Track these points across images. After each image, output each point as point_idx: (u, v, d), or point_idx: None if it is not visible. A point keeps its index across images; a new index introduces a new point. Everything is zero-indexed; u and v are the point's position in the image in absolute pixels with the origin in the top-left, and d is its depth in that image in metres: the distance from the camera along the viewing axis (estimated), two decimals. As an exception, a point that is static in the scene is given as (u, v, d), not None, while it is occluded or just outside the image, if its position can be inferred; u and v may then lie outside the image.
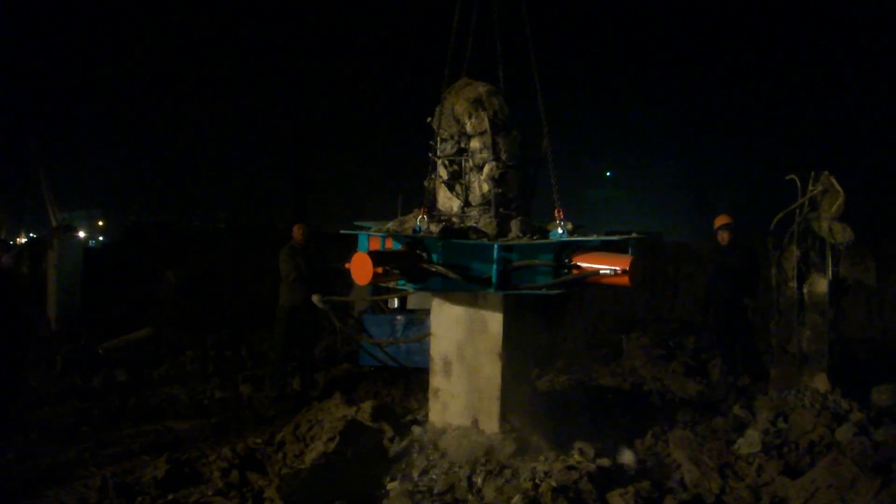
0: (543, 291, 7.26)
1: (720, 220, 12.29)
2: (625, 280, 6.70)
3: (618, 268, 6.70)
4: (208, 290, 21.37)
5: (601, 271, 6.83)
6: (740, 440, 8.42)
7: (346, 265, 6.75)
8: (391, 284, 7.61)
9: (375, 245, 7.50)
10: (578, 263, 6.99)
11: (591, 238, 7.29)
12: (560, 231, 7.31)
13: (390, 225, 7.72)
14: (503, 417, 7.55)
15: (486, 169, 7.80)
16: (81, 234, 28.19)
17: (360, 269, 6.60)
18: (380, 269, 6.59)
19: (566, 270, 7.06)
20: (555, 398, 9.73)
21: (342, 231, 7.54)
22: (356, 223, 8.50)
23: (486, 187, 7.78)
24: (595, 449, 7.54)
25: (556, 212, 7.42)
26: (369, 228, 7.98)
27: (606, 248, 7.21)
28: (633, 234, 7.22)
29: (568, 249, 7.16)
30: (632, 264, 6.71)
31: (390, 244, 7.37)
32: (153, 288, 19.82)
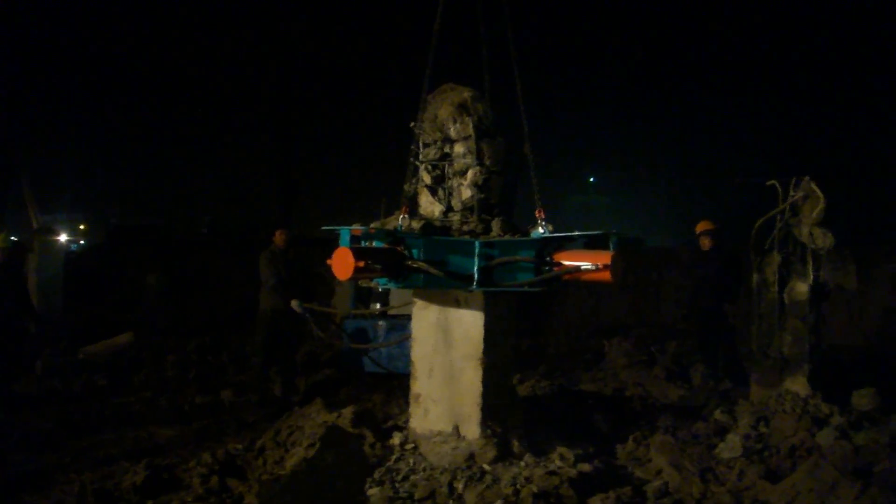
0: (525, 289, 7.28)
1: (701, 226, 12.33)
2: (606, 276, 6.72)
3: (599, 264, 6.72)
4: (190, 295, 21.34)
5: (583, 267, 6.85)
6: (721, 445, 8.44)
7: (328, 261, 6.73)
8: (372, 283, 7.59)
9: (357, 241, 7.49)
10: (560, 261, 7.02)
11: (573, 234, 7.30)
12: (541, 230, 7.32)
13: (373, 224, 7.72)
14: (484, 423, 7.52)
15: (469, 174, 7.79)
16: (63, 237, 28.09)
17: (342, 263, 6.58)
18: (361, 264, 6.57)
19: (548, 267, 7.08)
20: (536, 403, 9.73)
21: (324, 227, 7.50)
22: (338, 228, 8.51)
23: (468, 193, 7.77)
24: (576, 454, 7.56)
25: (536, 212, 7.43)
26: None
27: (588, 246, 7.24)
28: (615, 231, 7.22)
29: (549, 246, 7.18)
30: (613, 260, 6.73)
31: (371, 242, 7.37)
32: (135, 292, 19.77)
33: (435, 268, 7.00)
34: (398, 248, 7.02)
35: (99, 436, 9.64)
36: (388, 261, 6.92)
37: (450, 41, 7.98)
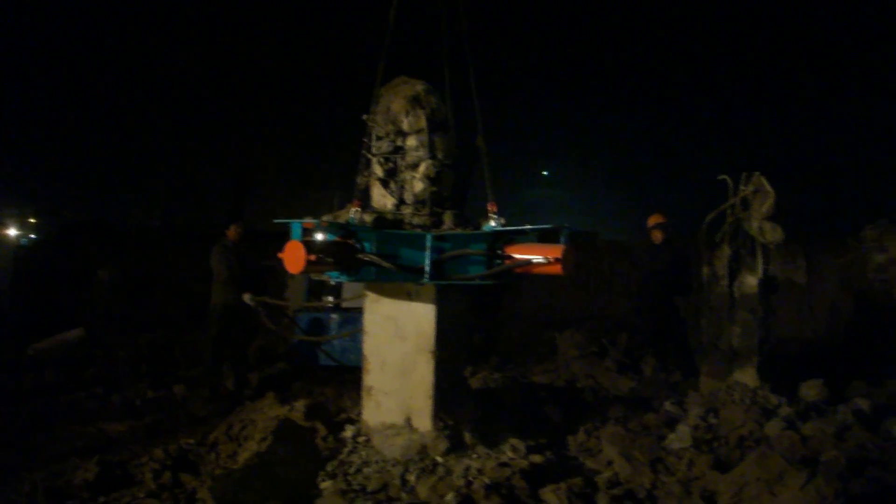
0: (476, 282, 7.30)
1: (653, 220, 12.41)
2: (557, 269, 6.75)
3: (550, 257, 6.75)
4: (142, 290, 21.15)
5: (533, 261, 6.88)
6: (671, 435, 8.52)
7: (279, 254, 6.71)
8: (324, 276, 7.57)
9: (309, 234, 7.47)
10: (511, 254, 7.05)
11: (525, 227, 7.32)
12: (493, 224, 7.34)
13: (324, 218, 7.69)
14: (436, 415, 7.53)
15: (421, 167, 7.79)
16: (12, 231, 27.73)
17: (293, 257, 6.56)
18: (312, 257, 6.55)
19: (499, 260, 7.11)
20: (488, 396, 9.75)
21: (276, 220, 7.48)
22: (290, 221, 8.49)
23: (421, 186, 7.77)
24: (528, 445, 7.60)
25: (488, 205, 7.45)
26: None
27: (541, 240, 7.27)
28: (566, 225, 7.25)
29: (501, 240, 7.21)
30: (564, 253, 6.75)
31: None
32: (85, 287, 19.56)
33: (387, 261, 7.00)
34: (350, 242, 7.01)
35: (49, 433, 9.52)
36: (340, 254, 6.90)
37: (404, 34, 7.98)
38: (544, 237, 7.32)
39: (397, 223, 7.62)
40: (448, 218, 7.63)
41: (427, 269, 7.16)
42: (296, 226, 6.97)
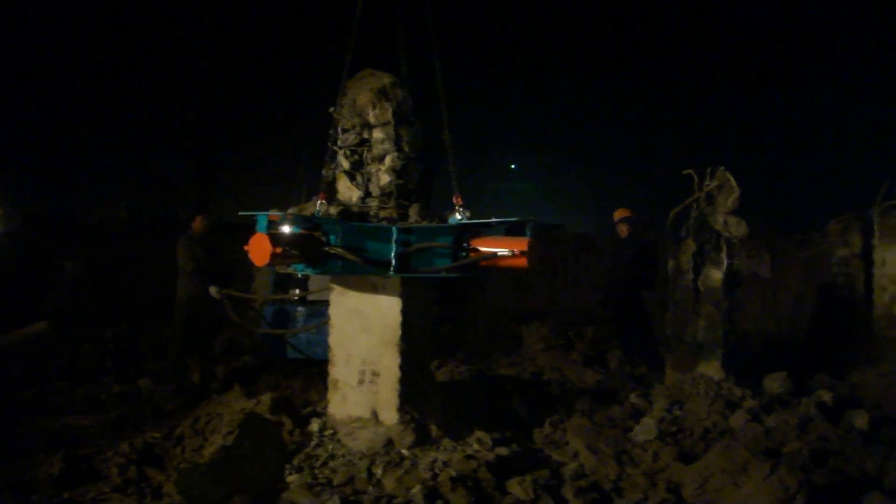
0: (442, 275, 7.31)
1: (619, 214, 12.45)
2: (522, 262, 6.78)
3: (515, 250, 6.77)
4: (107, 282, 20.99)
5: (499, 254, 6.90)
6: (637, 428, 8.57)
7: (245, 247, 6.70)
8: (290, 269, 7.56)
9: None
10: (477, 247, 7.07)
11: (490, 220, 7.34)
12: (459, 217, 7.35)
13: (290, 210, 7.67)
14: (402, 408, 7.54)
15: (387, 160, 7.78)
16: (-26, 224, 27.43)
17: (259, 249, 6.54)
18: (278, 250, 6.54)
19: (465, 254, 7.12)
20: (454, 389, 9.77)
21: (241, 213, 7.45)
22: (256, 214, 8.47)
23: (387, 178, 7.76)
24: (494, 438, 7.62)
25: (454, 198, 7.45)
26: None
27: (507, 233, 7.29)
28: (531, 218, 7.26)
29: (467, 233, 7.22)
30: (529, 246, 6.78)
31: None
32: (50, 279, 19.41)
33: (352, 254, 7.00)
34: (316, 234, 6.99)
35: (13, 427, 9.41)
36: (306, 247, 6.89)
37: (371, 26, 7.96)
38: (511, 230, 7.34)
39: (363, 216, 7.62)
40: (414, 210, 7.63)
41: (393, 261, 7.16)
42: (261, 218, 6.95)
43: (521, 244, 6.82)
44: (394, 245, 7.15)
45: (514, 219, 7.33)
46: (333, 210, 7.39)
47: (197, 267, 11.24)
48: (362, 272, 7.38)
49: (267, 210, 7.06)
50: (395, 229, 7.19)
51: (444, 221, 7.46)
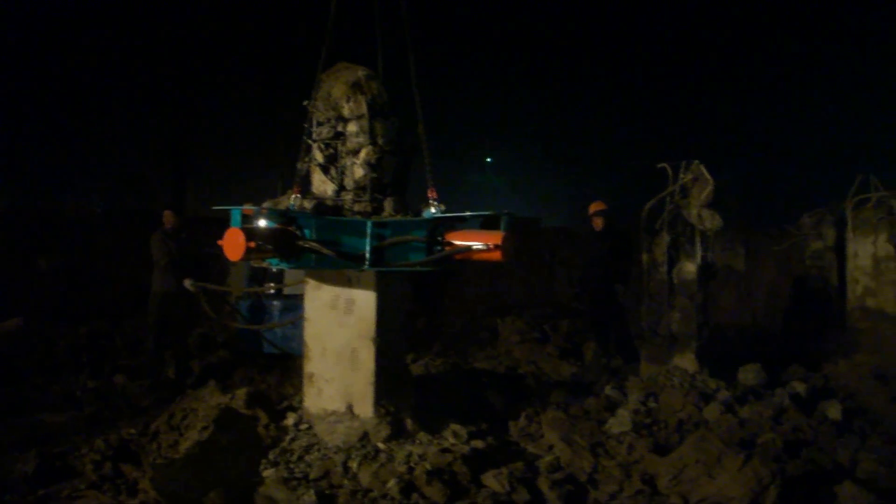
0: (417, 268, 7.31)
1: (594, 207, 12.45)
2: (497, 255, 6.79)
3: (490, 243, 6.78)
4: (82, 277, 20.86)
5: (473, 247, 6.90)
6: (612, 420, 8.61)
7: (219, 241, 6.67)
8: (264, 263, 7.53)
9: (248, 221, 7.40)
10: (451, 240, 7.07)
11: (464, 214, 7.34)
12: (433, 210, 7.34)
13: (265, 204, 7.64)
14: (377, 402, 7.54)
15: (362, 153, 7.76)
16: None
17: (233, 244, 6.52)
18: (252, 244, 6.52)
19: (439, 247, 7.12)
20: (430, 382, 9.77)
21: (215, 207, 7.43)
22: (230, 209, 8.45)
23: (361, 172, 7.74)
24: (469, 431, 7.63)
25: (429, 191, 7.45)
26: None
27: (480, 227, 7.29)
28: (506, 212, 7.27)
29: (441, 226, 7.22)
30: (504, 240, 6.79)
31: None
32: (24, 276, 19.28)
33: (327, 248, 6.97)
34: (290, 229, 6.97)
35: (-13, 425, 9.38)
36: (280, 241, 6.86)
37: (347, 19, 7.94)
38: (485, 224, 7.35)
39: (337, 210, 7.60)
40: (388, 204, 7.63)
41: (367, 255, 7.15)
42: (235, 213, 6.93)
43: (496, 238, 6.82)
44: (368, 239, 7.14)
45: (488, 212, 7.34)
46: (308, 204, 7.37)
47: (170, 261, 11.17)
48: (337, 266, 7.37)
49: (242, 204, 7.04)
50: (369, 223, 7.18)
51: (419, 215, 7.45)
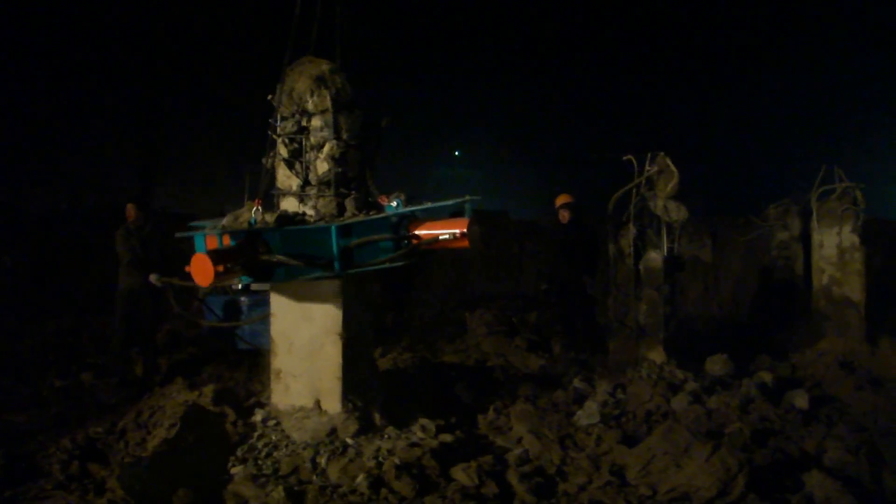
0: (388, 265, 7.30)
1: (561, 199, 12.47)
2: (464, 243, 6.82)
3: (456, 231, 6.79)
4: (48, 275, 20.69)
5: (440, 237, 6.91)
6: (580, 412, 8.63)
7: (187, 268, 6.64)
8: (235, 283, 7.52)
9: (213, 244, 7.34)
10: (417, 233, 7.07)
11: (426, 206, 7.34)
12: (394, 204, 7.33)
13: (225, 221, 7.59)
14: (345, 397, 7.54)
15: (326, 147, 7.74)
16: None
17: (201, 270, 6.49)
18: (220, 268, 6.49)
19: (406, 242, 7.11)
20: (398, 376, 9.76)
21: (177, 234, 7.42)
22: (191, 224, 8.42)
23: (325, 166, 7.72)
24: (438, 425, 7.63)
25: (381, 199, 7.46)
26: (205, 228, 7.81)
27: (444, 217, 7.32)
28: (467, 197, 7.27)
29: (405, 221, 7.21)
30: (469, 226, 6.81)
31: (228, 241, 7.23)
32: (-13, 273, 19.11)
33: (294, 259, 6.95)
34: (255, 244, 6.94)
35: (-48, 425, 9.27)
36: (247, 259, 6.84)
37: (313, 12, 7.88)
38: (450, 213, 7.37)
39: (300, 218, 7.56)
40: (349, 204, 7.60)
41: (336, 261, 7.12)
42: (199, 238, 6.92)
43: (461, 224, 6.84)
44: (334, 244, 7.11)
45: (450, 201, 7.35)
46: (269, 217, 7.31)
47: (134, 258, 11.05)
48: (307, 276, 7.32)
49: (208, 205, 7.02)
50: (333, 228, 7.14)
51: (381, 210, 7.44)
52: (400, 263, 7.35)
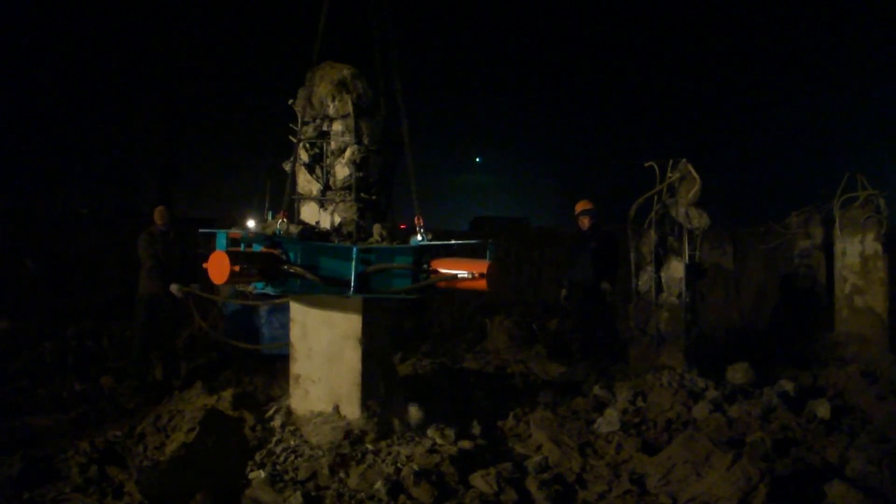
0: (402, 296, 7.31)
1: (581, 206, 12.44)
2: (482, 284, 6.82)
3: (475, 272, 6.81)
4: (69, 279, 20.76)
5: (459, 276, 6.93)
6: (600, 419, 8.58)
7: (204, 264, 6.65)
8: (249, 287, 7.52)
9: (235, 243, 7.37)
10: (437, 268, 7.08)
11: (450, 243, 7.35)
12: (420, 238, 7.33)
13: (251, 227, 7.63)
14: (364, 402, 7.53)
15: (347, 152, 7.75)
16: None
17: (218, 267, 6.50)
18: (237, 268, 6.50)
19: (424, 275, 7.12)
20: (417, 382, 9.75)
21: (202, 230, 7.42)
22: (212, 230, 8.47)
23: (346, 171, 7.73)
24: (457, 432, 7.61)
25: (416, 219, 7.43)
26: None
27: (467, 254, 7.33)
28: (491, 241, 7.30)
29: (427, 254, 7.22)
30: (489, 269, 6.83)
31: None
32: (10, 277, 19.18)
33: (311, 273, 6.96)
34: (276, 252, 6.96)
35: (-28, 428, 9.29)
36: (265, 265, 6.85)
37: (338, 19, 7.89)
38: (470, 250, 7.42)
39: (324, 235, 7.58)
40: (376, 229, 7.62)
41: (353, 282, 7.12)
42: (221, 235, 6.91)
43: (482, 266, 6.87)
44: (353, 265, 7.12)
45: (474, 241, 7.38)
46: (294, 229, 7.32)
47: (156, 263, 11.08)
48: (321, 292, 7.32)
49: (230, 211, 7.03)
50: (355, 250, 7.15)
51: (406, 242, 7.45)
52: (414, 297, 7.37)
